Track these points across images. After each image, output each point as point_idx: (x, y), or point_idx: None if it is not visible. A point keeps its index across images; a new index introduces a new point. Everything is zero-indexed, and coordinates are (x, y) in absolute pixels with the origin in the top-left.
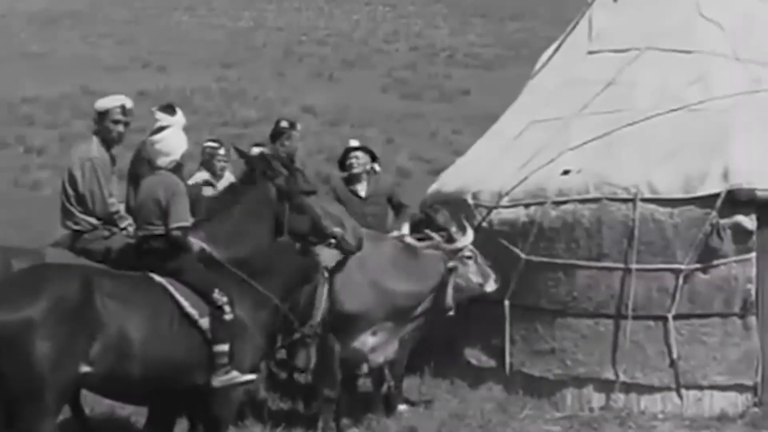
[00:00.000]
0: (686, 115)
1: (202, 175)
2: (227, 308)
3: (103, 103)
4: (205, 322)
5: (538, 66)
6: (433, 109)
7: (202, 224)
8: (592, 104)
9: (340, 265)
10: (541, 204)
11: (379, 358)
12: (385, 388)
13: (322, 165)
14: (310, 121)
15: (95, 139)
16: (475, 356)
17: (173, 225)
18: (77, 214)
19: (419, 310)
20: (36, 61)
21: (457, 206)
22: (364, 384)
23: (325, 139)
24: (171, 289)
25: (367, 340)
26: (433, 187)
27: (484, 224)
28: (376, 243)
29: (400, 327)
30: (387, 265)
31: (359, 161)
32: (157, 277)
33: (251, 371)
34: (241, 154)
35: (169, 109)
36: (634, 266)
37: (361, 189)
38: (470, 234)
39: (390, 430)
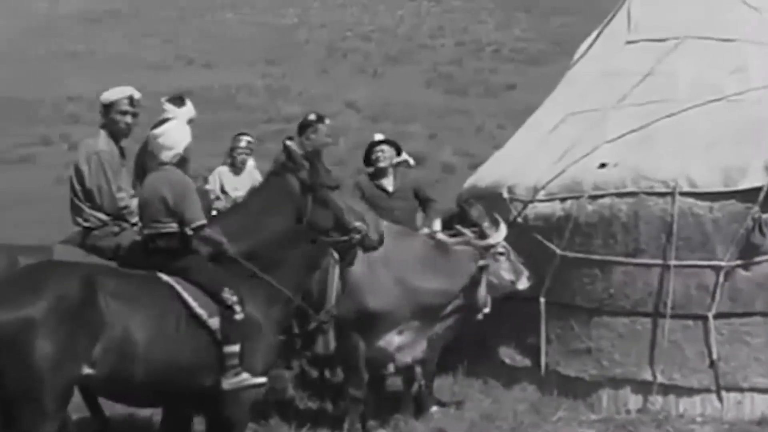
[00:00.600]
0: (726, 106)
1: (222, 169)
2: (237, 308)
3: (109, 95)
4: (214, 323)
5: (576, 57)
6: (477, 104)
7: (220, 218)
8: (630, 96)
9: (363, 262)
10: (577, 198)
11: (406, 358)
12: (415, 387)
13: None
14: (352, 116)
15: (102, 133)
16: (509, 355)
17: (194, 224)
18: (86, 210)
19: (449, 309)
20: (80, 60)
21: (493, 201)
22: (395, 383)
23: (367, 135)
24: (179, 288)
25: (393, 340)
26: (469, 182)
27: (519, 219)
28: (404, 239)
29: (427, 326)
30: (414, 261)
31: (384, 155)
32: (165, 276)
33: (265, 371)
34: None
35: (178, 101)
36: (672, 262)
37: (388, 183)
38: (503, 230)
39: (417, 431)
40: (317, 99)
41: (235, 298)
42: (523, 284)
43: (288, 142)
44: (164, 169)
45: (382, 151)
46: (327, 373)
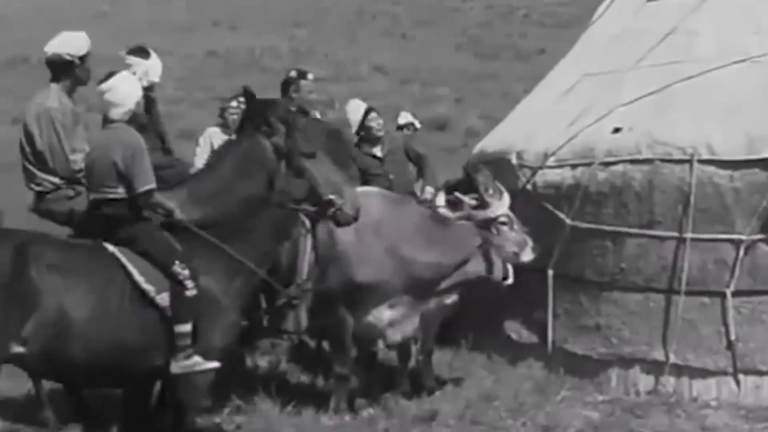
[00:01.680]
0: (750, 67)
1: (213, 130)
2: (189, 283)
3: (79, 45)
4: (163, 299)
5: (595, 16)
6: (507, 68)
7: (186, 182)
8: (648, 56)
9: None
10: (588, 165)
11: (396, 335)
12: (412, 363)
13: (389, 125)
14: (380, 80)
15: (54, 87)
16: (515, 330)
17: (141, 189)
18: (37, 173)
19: (444, 284)
20: (107, 22)
21: (501, 167)
22: (389, 359)
23: (395, 98)
24: (123, 259)
25: (383, 314)
26: (478, 147)
27: (528, 186)
28: (398, 207)
29: (420, 301)
30: (408, 231)
31: (381, 123)
32: (110, 247)
33: (223, 351)
34: (248, 97)
35: (142, 52)
36: (688, 235)
37: (377, 150)
38: (506, 200)
39: (409, 411)
40: (344, 62)
41: (186, 272)
42: (527, 256)
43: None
44: (113, 128)
45: (378, 119)
46: (325, 345)
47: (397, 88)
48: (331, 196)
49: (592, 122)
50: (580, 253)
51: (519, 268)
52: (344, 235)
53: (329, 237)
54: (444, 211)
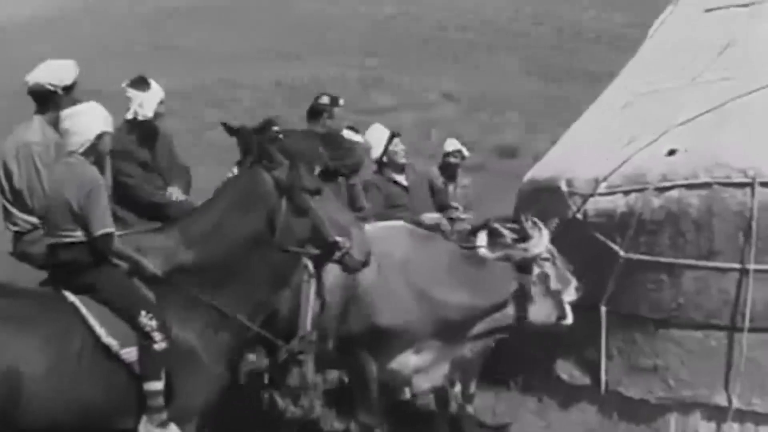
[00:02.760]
0: None
1: None
2: (157, 335)
3: (67, 74)
4: (129, 354)
5: (651, 31)
6: (578, 92)
7: (179, 221)
8: (705, 72)
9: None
10: (641, 191)
11: (423, 383)
12: (452, 408)
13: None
14: (448, 107)
15: (36, 119)
16: (567, 371)
17: (97, 233)
18: (15, 212)
19: (479, 328)
20: (174, 53)
21: (551, 195)
22: (427, 404)
23: (462, 126)
24: (83, 310)
25: (408, 361)
26: (530, 174)
27: (579, 215)
28: (425, 243)
29: (451, 347)
30: (437, 270)
31: (403, 149)
32: (71, 296)
33: (203, 410)
34: (231, 131)
35: (141, 84)
36: (752, 266)
37: (402, 179)
38: (545, 237)
39: None
40: (412, 90)
41: (154, 323)
42: (570, 295)
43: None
44: (69, 163)
45: (401, 145)
46: None
47: (466, 114)
48: (338, 238)
49: (645, 145)
50: (635, 288)
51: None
52: (367, 273)
53: (351, 277)
54: (484, 251)
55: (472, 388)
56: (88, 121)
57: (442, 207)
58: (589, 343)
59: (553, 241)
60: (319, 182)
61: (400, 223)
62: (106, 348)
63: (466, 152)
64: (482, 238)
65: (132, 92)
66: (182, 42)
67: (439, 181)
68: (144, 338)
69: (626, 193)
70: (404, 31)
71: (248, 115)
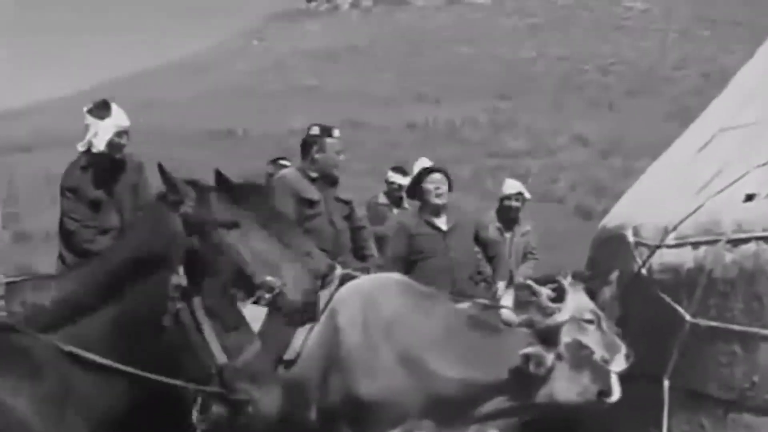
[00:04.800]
0: None
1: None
2: None
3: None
4: None
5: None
6: None
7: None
8: None
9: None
10: (713, 243)
11: None
12: None
13: (586, 197)
14: (579, 151)
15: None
16: None
17: None
18: None
19: (488, 409)
20: (308, 95)
21: (618, 246)
22: None
23: (594, 170)
24: None
25: None
26: (603, 222)
27: (643, 271)
28: (422, 302)
29: (447, 429)
30: (434, 335)
31: (442, 189)
32: None
33: None
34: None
35: (101, 110)
36: None
37: (441, 222)
38: (570, 303)
39: None
40: (544, 133)
41: None
42: (618, 365)
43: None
44: None
45: (437, 181)
46: None
47: (597, 160)
48: (267, 278)
49: (722, 188)
50: (702, 360)
51: (630, 375)
52: (350, 335)
53: (333, 335)
54: (507, 314)
55: None
56: None
57: (489, 259)
58: (650, 421)
59: (613, 300)
60: (236, 213)
61: (395, 275)
62: None
63: (527, 194)
64: (508, 297)
65: (90, 119)
66: (315, 82)
67: (492, 229)
68: None
69: (695, 245)
70: (542, 73)
71: (372, 156)
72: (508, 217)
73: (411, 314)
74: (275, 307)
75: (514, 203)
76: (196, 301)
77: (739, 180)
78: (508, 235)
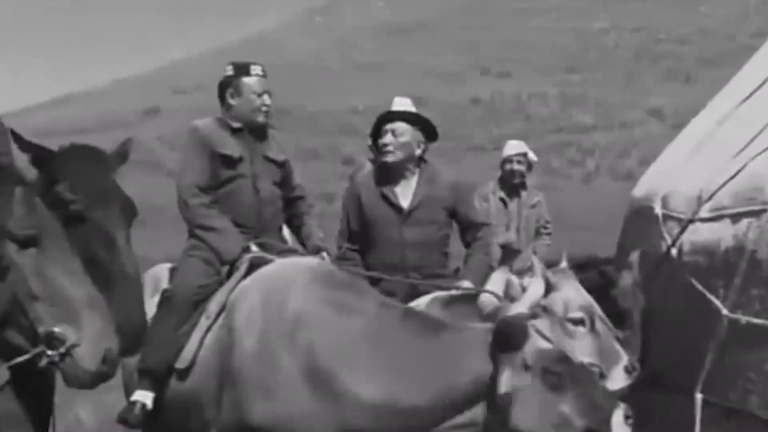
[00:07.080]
0: None
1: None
2: None
3: None
4: None
5: None
6: None
7: None
8: None
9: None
10: (757, 215)
11: None
12: None
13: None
14: (654, 125)
15: None
16: None
17: None
18: None
19: None
20: (371, 72)
21: (645, 220)
22: None
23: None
24: None
25: None
26: (632, 193)
27: (673, 251)
28: (340, 295)
29: None
30: (353, 341)
31: (399, 140)
32: None
33: None
34: None
35: None
36: None
37: (402, 194)
38: (530, 296)
39: None
40: (616, 107)
41: None
42: (617, 381)
43: None
44: None
45: (393, 131)
46: None
47: (673, 133)
48: (55, 328)
49: (762, 150)
50: (741, 368)
51: (653, 383)
52: (244, 340)
53: (228, 339)
54: (487, 300)
55: None
56: None
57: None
58: None
59: (635, 288)
60: (44, 217)
61: (313, 259)
62: None
63: (533, 156)
64: (497, 280)
65: None
66: (385, 59)
67: (493, 200)
68: None
69: (735, 218)
70: (615, 45)
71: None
72: (511, 183)
73: (324, 313)
74: (59, 369)
75: (516, 166)
76: None
77: None
78: (512, 205)
